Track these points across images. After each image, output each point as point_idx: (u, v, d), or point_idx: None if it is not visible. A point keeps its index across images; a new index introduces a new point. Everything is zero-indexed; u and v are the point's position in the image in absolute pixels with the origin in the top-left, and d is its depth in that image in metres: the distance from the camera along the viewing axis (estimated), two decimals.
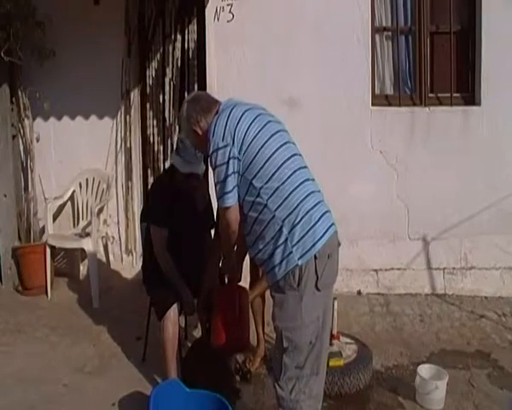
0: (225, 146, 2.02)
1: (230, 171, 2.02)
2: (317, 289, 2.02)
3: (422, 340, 3.58)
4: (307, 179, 2.10)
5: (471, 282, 4.30)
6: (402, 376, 3.14)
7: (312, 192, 2.08)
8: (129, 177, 4.61)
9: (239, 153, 2.03)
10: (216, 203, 2.59)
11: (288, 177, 2.04)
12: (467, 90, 4.34)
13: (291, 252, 1.99)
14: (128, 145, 4.57)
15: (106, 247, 4.66)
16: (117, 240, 4.68)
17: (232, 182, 2.03)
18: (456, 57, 4.31)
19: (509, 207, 4.21)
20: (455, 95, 4.30)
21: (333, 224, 2.10)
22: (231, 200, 2.05)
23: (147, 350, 3.30)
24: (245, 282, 3.02)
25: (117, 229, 4.68)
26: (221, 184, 2.04)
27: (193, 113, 2.20)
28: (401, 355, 3.37)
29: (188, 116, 2.22)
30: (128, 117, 4.54)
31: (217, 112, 2.15)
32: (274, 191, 2.02)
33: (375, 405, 2.86)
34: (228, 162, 2.02)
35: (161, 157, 4.56)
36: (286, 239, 2.00)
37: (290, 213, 2.01)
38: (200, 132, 2.19)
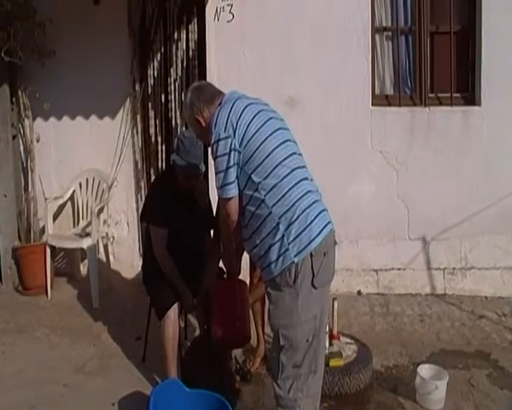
0: (227, 137, 2.04)
1: (231, 162, 2.03)
2: (314, 286, 2.03)
3: (422, 340, 3.58)
4: (305, 179, 2.11)
5: (471, 282, 4.30)
6: (402, 376, 3.13)
7: (310, 191, 2.09)
8: (129, 176, 4.62)
9: (240, 145, 2.04)
10: (215, 203, 2.58)
11: (287, 175, 2.05)
12: (467, 90, 4.33)
13: (287, 249, 2.00)
14: (128, 145, 4.58)
15: (106, 247, 4.66)
16: (117, 240, 4.69)
17: (233, 173, 2.04)
18: (456, 57, 4.30)
19: (509, 207, 4.20)
20: (455, 95, 4.30)
21: (329, 222, 2.11)
22: (232, 191, 2.06)
23: (147, 350, 3.30)
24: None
25: (117, 229, 4.68)
26: (222, 174, 2.06)
27: (196, 102, 2.21)
28: (401, 355, 3.37)
29: (191, 105, 2.22)
30: (128, 117, 4.55)
31: (220, 103, 2.16)
32: (272, 188, 2.03)
33: (375, 405, 2.86)
34: (229, 153, 2.03)
35: (163, 157, 4.56)
36: (282, 236, 2.01)
37: (287, 211, 2.02)
38: (202, 122, 2.21)
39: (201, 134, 2.27)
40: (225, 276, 2.62)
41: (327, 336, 2.94)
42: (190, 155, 2.87)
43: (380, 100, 4.36)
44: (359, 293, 4.35)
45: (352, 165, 4.30)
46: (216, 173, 2.08)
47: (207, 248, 3.09)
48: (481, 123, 4.22)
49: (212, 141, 2.07)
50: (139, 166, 4.61)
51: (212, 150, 2.09)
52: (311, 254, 2.01)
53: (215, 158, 2.08)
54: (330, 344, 3.03)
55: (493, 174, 4.22)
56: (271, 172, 2.04)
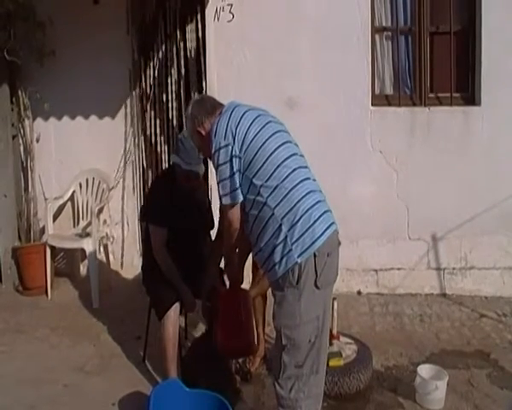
0: (227, 145, 2.05)
1: (235, 169, 2.05)
2: (317, 287, 2.03)
3: (422, 340, 3.58)
4: (307, 178, 2.11)
5: (471, 282, 4.30)
6: (402, 376, 3.13)
7: (312, 191, 2.09)
8: (129, 176, 4.62)
9: (240, 151, 2.05)
10: (216, 204, 2.58)
11: (288, 175, 2.05)
12: (467, 90, 4.33)
13: (290, 250, 2.01)
14: (128, 145, 4.58)
15: (106, 247, 4.66)
16: (117, 240, 4.69)
17: (235, 181, 2.06)
18: (455, 57, 4.30)
19: (509, 207, 4.20)
20: (455, 95, 4.30)
21: (333, 223, 2.11)
22: (234, 198, 2.07)
23: (147, 350, 3.30)
24: (246, 284, 3.03)
25: (117, 229, 4.68)
26: (226, 181, 2.07)
27: (197, 114, 2.24)
28: (401, 355, 3.37)
29: (193, 117, 2.26)
30: (128, 117, 4.55)
31: (220, 113, 2.18)
32: (273, 189, 2.03)
33: (375, 405, 2.86)
34: (230, 161, 2.05)
35: (165, 157, 4.55)
36: (285, 237, 2.01)
37: (289, 211, 2.02)
38: (203, 133, 2.23)
39: (202, 145, 2.29)
40: (227, 284, 2.61)
41: None
42: (190, 156, 2.87)
43: (380, 100, 4.36)
44: (359, 293, 4.35)
45: (351, 165, 4.30)
46: (219, 182, 2.09)
47: (207, 248, 3.09)
48: (481, 123, 4.22)
49: (213, 150, 2.08)
50: (139, 165, 4.61)
51: (214, 160, 2.10)
52: (315, 255, 2.01)
53: (217, 167, 2.08)
54: (330, 344, 3.01)
55: (493, 174, 4.22)
56: (272, 173, 2.04)
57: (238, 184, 2.06)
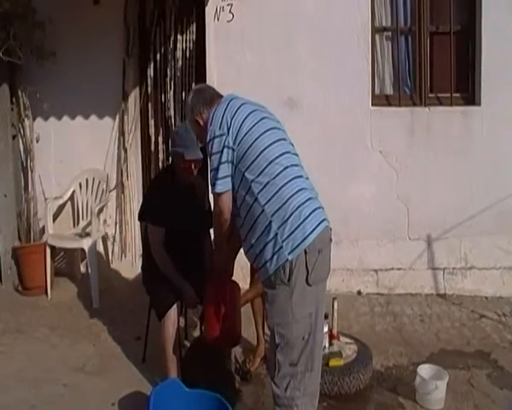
0: (221, 135, 2.09)
1: (224, 159, 2.08)
2: (308, 284, 2.03)
3: (422, 340, 3.58)
4: (299, 176, 2.12)
5: (471, 282, 4.30)
6: (402, 376, 3.13)
7: (303, 189, 2.10)
8: (129, 176, 4.62)
9: (233, 143, 2.08)
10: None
11: (279, 172, 2.07)
12: (467, 90, 4.33)
13: (281, 247, 2.01)
14: (128, 145, 4.58)
15: (106, 247, 4.66)
16: (117, 240, 4.69)
17: (225, 170, 2.09)
18: (455, 57, 4.30)
19: (509, 207, 4.20)
20: (455, 95, 4.30)
21: (324, 219, 2.11)
22: (223, 186, 2.10)
23: (147, 350, 3.30)
24: (245, 283, 3.03)
25: (117, 229, 4.68)
26: (214, 171, 2.10)
27: (196, 104, 2.29)
28: (401, 355, 3.37)
29: (192, 107, 2.30)
30: (128, 117, 4.55)
31: (218, 104, 2.21)
32: (264, 186, 2.05)
33: (375, 405, 2.86)
34: (222, 151, 2.08)
35: (164, 157, 4.56)
36: (276, 234, 2.02)
37: (279, 209, 2.03)
38: (201, 123, 2.27)
39: (201, 134, 2.32)
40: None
41: (327, 335, 2.95)
42: (186, 140, 2.85)
43: (380, 100, 4.36)
44: (359, 293, 4.35)
45: (351, 165, 4.29)
46: (210, 171, 2.12)
47: (208, 248, 3.09)
48: (481, 123, 4.22)
49: (208, 139, 2.12)
50: (139, 165, 4.61)
51: (208, 148, 2.14)
52: (305, 252, 2.01)
53: (210, 155, 2.12)
54: (330, 344, 3.03)
55: (493, 174, 4.22)
56: (264, 169, 2.06)
57: (225, 174, 2.08)
